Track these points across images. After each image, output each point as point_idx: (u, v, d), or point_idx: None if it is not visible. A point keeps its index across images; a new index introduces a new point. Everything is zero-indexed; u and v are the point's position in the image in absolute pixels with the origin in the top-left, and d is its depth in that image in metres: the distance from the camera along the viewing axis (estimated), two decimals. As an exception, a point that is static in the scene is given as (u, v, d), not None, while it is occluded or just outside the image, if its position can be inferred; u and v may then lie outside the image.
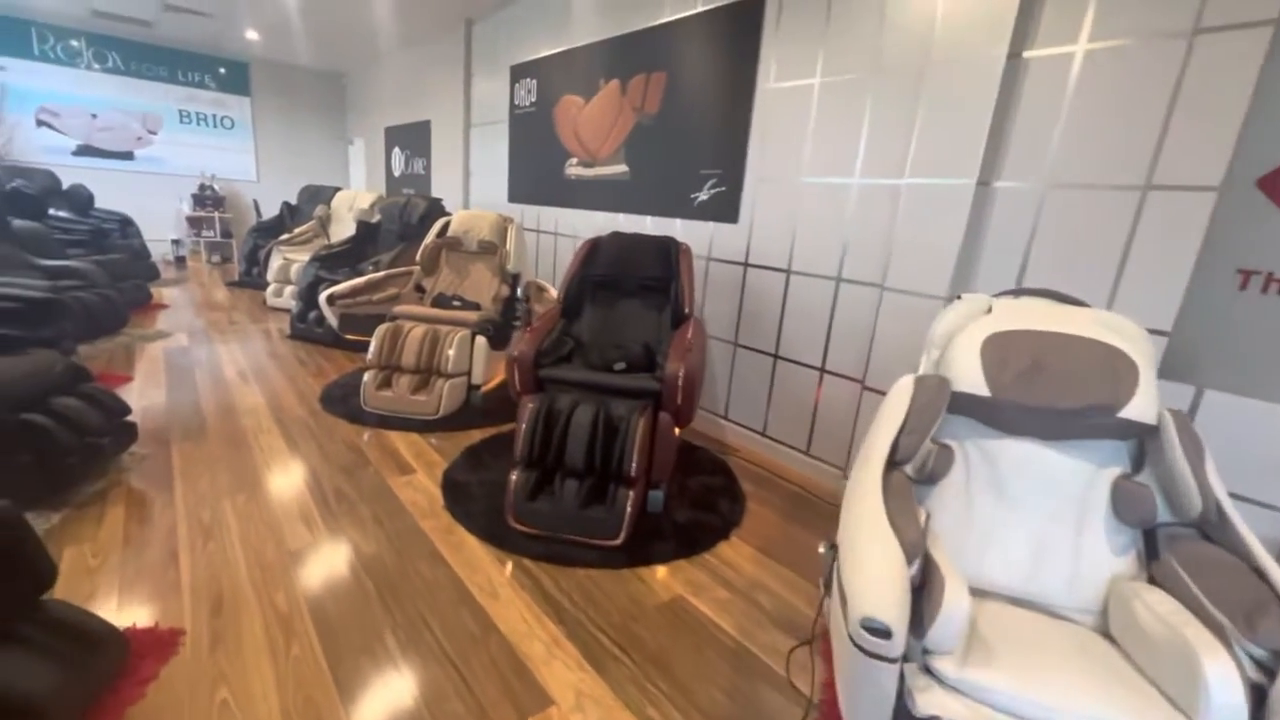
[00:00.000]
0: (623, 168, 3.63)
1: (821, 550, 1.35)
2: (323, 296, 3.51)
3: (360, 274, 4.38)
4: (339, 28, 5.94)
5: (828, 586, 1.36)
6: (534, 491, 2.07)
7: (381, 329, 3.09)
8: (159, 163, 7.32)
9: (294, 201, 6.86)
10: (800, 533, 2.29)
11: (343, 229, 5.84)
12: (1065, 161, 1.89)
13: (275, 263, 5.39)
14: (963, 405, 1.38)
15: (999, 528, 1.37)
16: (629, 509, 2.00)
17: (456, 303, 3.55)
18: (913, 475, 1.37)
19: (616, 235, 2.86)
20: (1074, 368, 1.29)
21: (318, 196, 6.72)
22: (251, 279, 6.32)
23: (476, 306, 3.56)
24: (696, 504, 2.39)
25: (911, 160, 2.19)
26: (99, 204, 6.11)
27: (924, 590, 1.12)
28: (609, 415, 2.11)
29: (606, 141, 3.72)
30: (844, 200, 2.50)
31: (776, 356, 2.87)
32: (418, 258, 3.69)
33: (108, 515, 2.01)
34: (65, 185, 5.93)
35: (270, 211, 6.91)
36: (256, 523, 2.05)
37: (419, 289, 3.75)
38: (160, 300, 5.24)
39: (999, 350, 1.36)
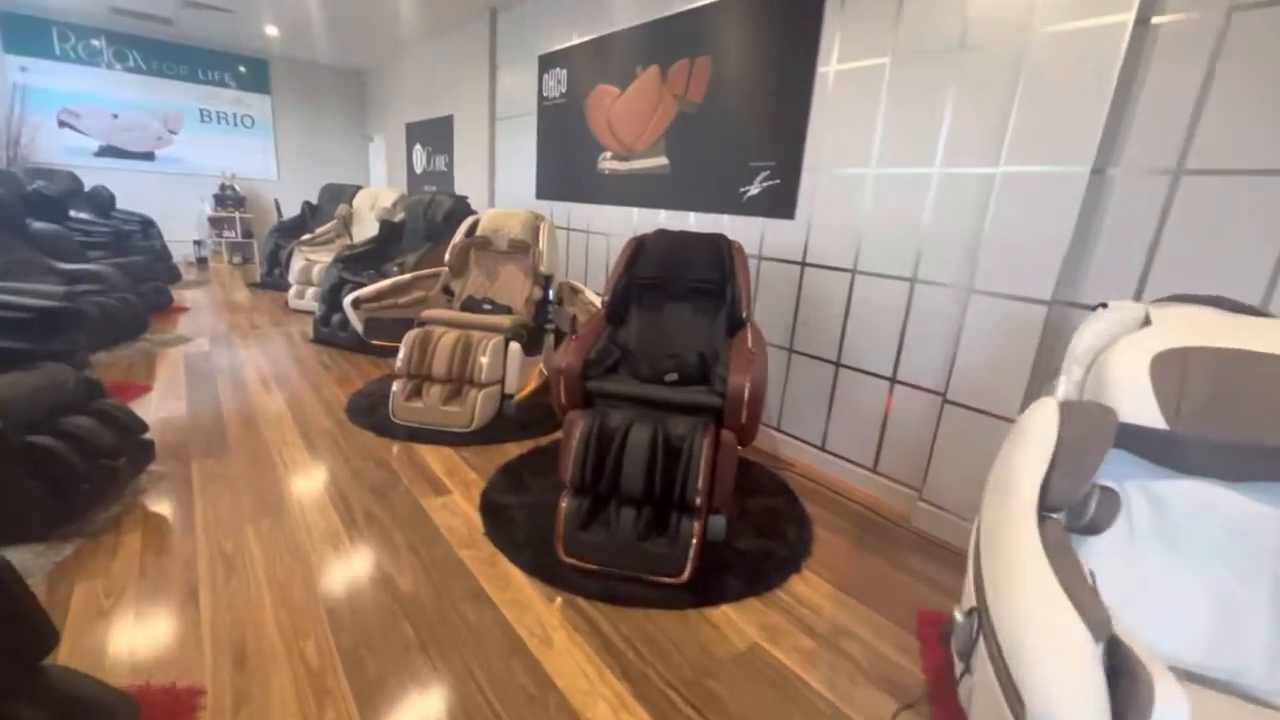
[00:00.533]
0: (662, 161, 3.40)
1: (959, 618, 1.12)
2: (347, 300, 3.34)
3: (385, 275, 4.21)
4: (359, 20, 5.77)
5: (963, 657, 1.13)
6: (586, 521, 1.86)
7: (410, 335, 2.90)
8: (180, 163, 7.24)
9: (315, 201, 6.75)
10: (878, 564, 2.05)
11: (365, 229, 5.70)
12: (1206, 143, 1.63)
13: (297, 264, 5.25)
14: (1127, 439, 1.14)
15: (1172, 590, 1.13)
16: (694, 541, 1.78)
17: (487, 306, 3.35)
18: (1066, 524, 1.14)
19: (663, 234, 2.63)
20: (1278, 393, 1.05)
21: (339, 195, 6.60)
22: (273, 280, 6.20)
23: (508, 310, 3.37)
24: (760, 530, 2.17)
25: (1008, 146, 1.93)
26: (120, 205, 6.03)
27: (1113, 682, 0.88)
28: (668, 435, 1.89)
29: (644, 133, 3.49)
30: (921, 192, 2.25)
31: (838, 364, 2.63)
32: (445, 258, 3.50)
33: (123, 545, 1.84)
34: (87, 187, 5.85)
35: (291, 211, 6.79)
36: (282, 552, 1.86)
37: (447, 291, 3.56)
38: (181, 303, 5.13)
39: (1174, 371, 1.12)
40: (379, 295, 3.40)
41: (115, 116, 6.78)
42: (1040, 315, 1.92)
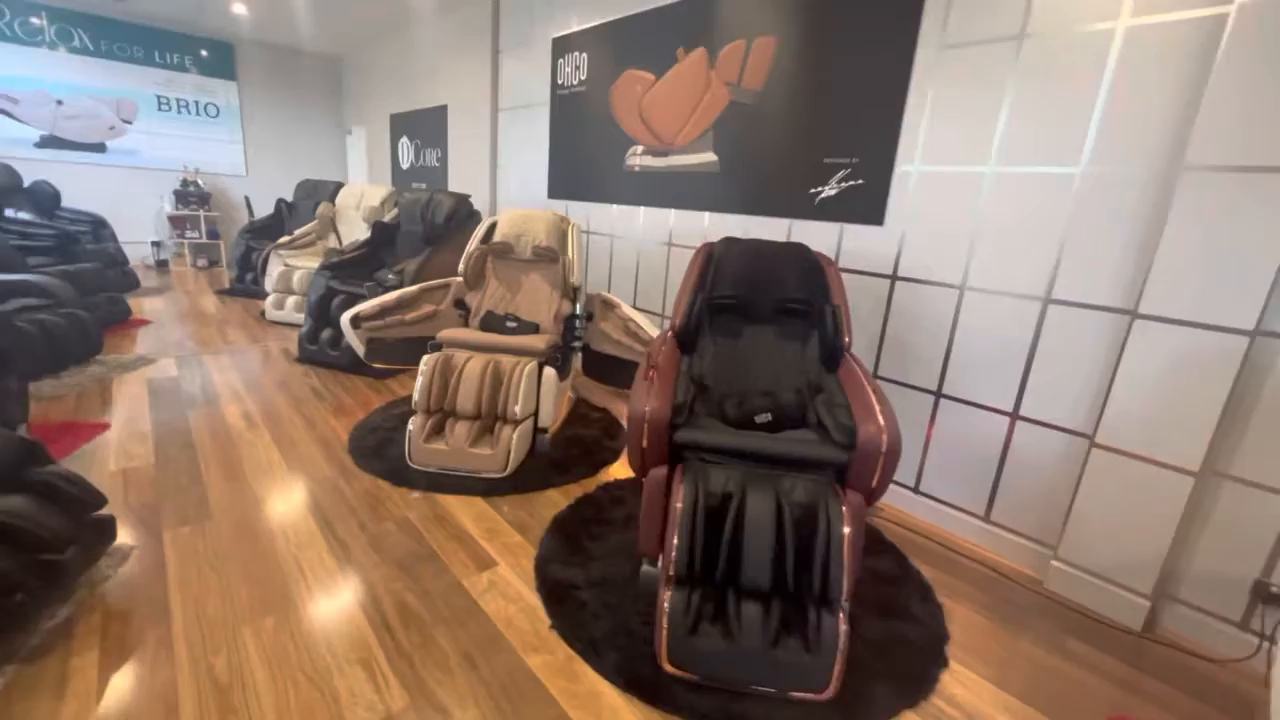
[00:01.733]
0: (709, 157, 2.99)
1: None
2: (346, 318, 2.85)
3: (381, 284, 3.71)
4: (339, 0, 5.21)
5: None
6: (696, 621, 1.45)
7: (429, 362, 2.44)
8: (135, 155, 6.54)
9: (290, 199, 6.15)
10: (1031, 648, 1.69)
11: (350, 230, 5.16)
12: None
13: (274, 270, 4.69)
14: None
15: None
16: (840, 645, 1.39)
17: (512, 323, 2.90)
18: None
19: (735, 243, 2.23)
20: None
21: (317, 192, 6.02)
22: (244, 286, 5.61)
23: (535, 327, 2.92)
24: (881, 606, 1.79)
25: (1199, 136, 1.58)
26: (66, 203, 5.36)
27: None
28: (791, 503, 1.49)
29: (687, 125, 3.07)
30: (1059, 196, 1.89)
31: (939, 394, 2.26)
32: (460, 268, 3.03)
33: (74, 672, 1.36)
34: (27, 182, 5.17)
35: (263, 209, 6.18)
36: (294, 673, 1.41)
37: (460, 306, 3.09)
38: (141, 315, 4.53)
39: None
40: (383, 311, 2.92)
41: (59, 103, 6.06)
42: (1238, 348, 1.57)
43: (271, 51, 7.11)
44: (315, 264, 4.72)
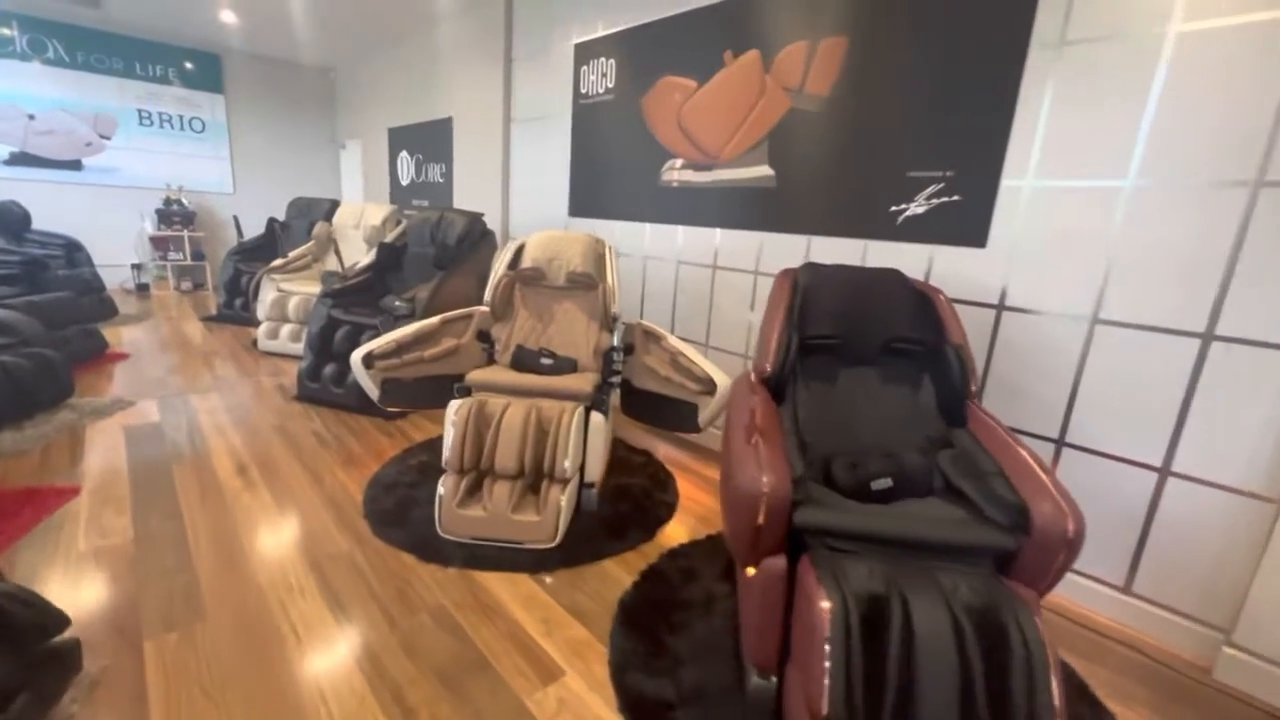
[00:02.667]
0: (763, 170, 2.69)
1: None
2: (357, 358, 2.48)
3: (390, 314, 3.35)
4: (337, 6, 4.88)
5: None
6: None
7: (460, 411, 2.08)
8: (114, 173, 6.13)
9: (282, 217, 5.77)
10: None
11: (349, 251, 4.80)
12: None
13: (267, 295, 4.31)
14: None
15: None
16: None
17: (547, 360, 2.55)
18: None
19: (820, 271, 1.91)
20: None
21: (311, 211, 5.65)
22: (233, 312, 5.21)
23: (573, 364, 2.58)
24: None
25: None
26: (38, 224, 4.94)
27: None
28: (963, 609, 1.16)
29: (736, 136, 2.77)
30: (1227, 214, 1.59)
31: (1061, 442, 1.95)
32: (487, 298, 2.68)
33: None
34: (-7, 202, 4.75)
35: (252, 229, 5.79)
36: None
37: (484, 339, 2.74)
38: (118, 347, 4.11)
39: None
40: (399, 348, 2.55)
41: (31, 118, 5.66)
42: None
43: (261, 63, 6.76)
44: (312, 289, 4.35)
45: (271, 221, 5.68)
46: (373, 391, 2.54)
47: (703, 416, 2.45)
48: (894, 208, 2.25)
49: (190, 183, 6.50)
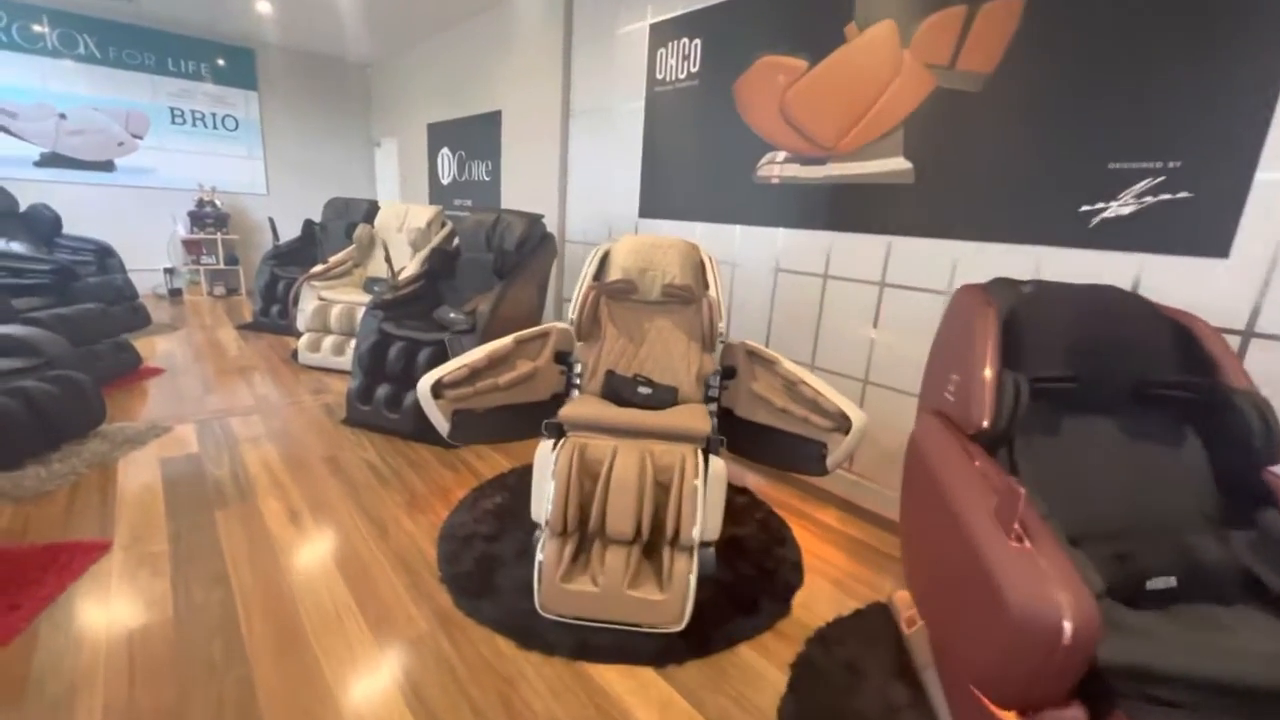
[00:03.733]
0: (898, 163, 2.27)
1: None
2: (424, 387, 2.12)
3: (448, 327, 3.01)
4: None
5: None
6: None
7: (561, 459, 1.71)
8: (146, 174, 5.90)
9: (318, 219, 5.48)
10: None
11: (393, 256, 4.47)
12: None
13: (308, 304, 4.00)
14: None
15: None
16: None
17: (644, 388, 2.17)
18: None
19: (1034, 290, 1.50)
20: None
21: (349, 212, 5.35)
22: (270, 320, 4.93)
23: (673, 393, 2.20)
24: None
25: None
26: (69, 228, 4.70)
27: None
28: None
29: (860, 123, 2.36)
30: None
31: (1337, 510, 1.51)
32: (572, 316, 2.31)
33: None
34: (24, 206, 4.52)
35: (287, 231, 5.51)
36: None
37: (561, 361, 2.37)
38: (152, 361, 3.83)
39: None
40: (472, 375, 2.19)
41: (62, 117, 5.43)
42: None
43: (295, 58, 6.48)
44: (355, 297, 4.04)
45: (308, 223, 5.40)
46: (442, 425, 2.17)
47: (832, 458, 2.05)
48: (1086, 208, 1.83)
49: (223, 184, 6.25)
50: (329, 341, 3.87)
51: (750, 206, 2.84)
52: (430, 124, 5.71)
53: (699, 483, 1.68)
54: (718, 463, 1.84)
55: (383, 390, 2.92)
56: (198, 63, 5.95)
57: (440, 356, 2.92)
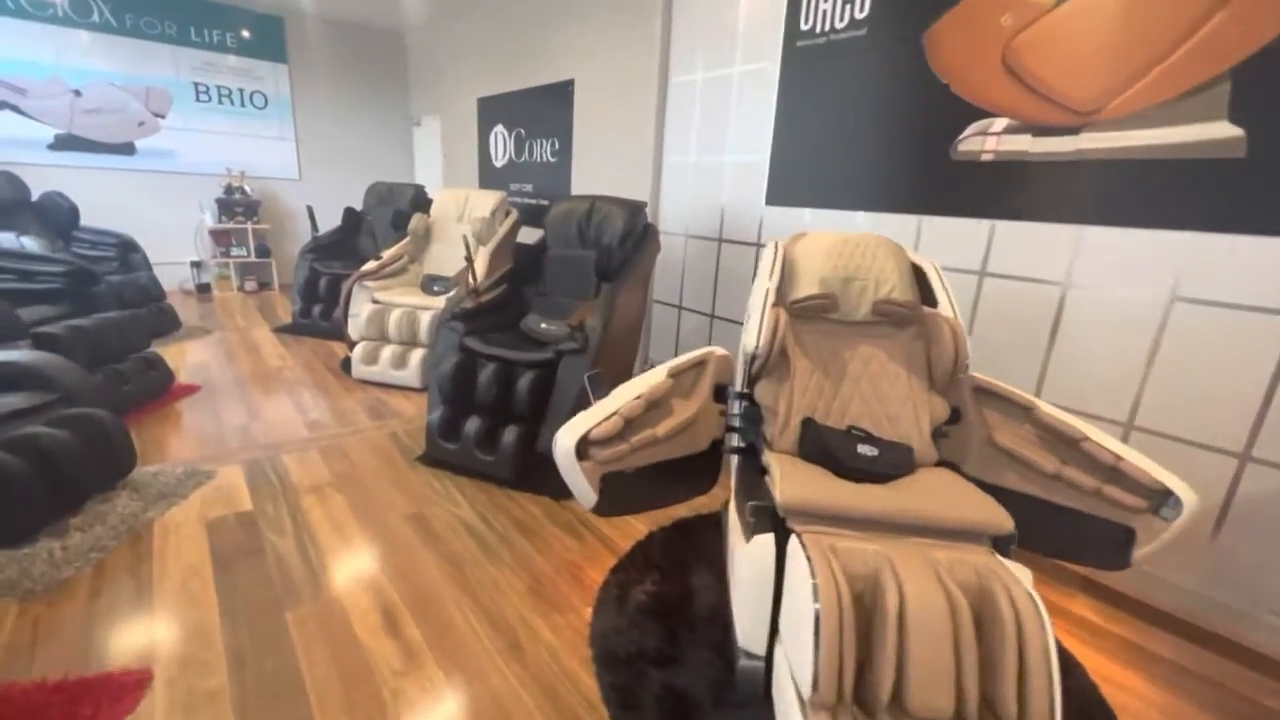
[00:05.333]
0: (1217, 130, 1.62)
1: None
2: (567, 447, 1.51)
3: (546, 343, 2.44)
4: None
5: None
6: None
7: (825, 589, 1.11)
8: (170, 157, 5.36)
9: (356, 206, 4.91)
10: None
11: (446, 250, 3.89)
12: None
13: (361, 307, 3.43)
14: None
15: None
16: None
17: (867, 448, 1.56)
18: None
19: None
20: None
21: (393, 198, 4.79)
22: (310, 321, 4.38)
23: (908, 454, 1.59)
24: None
25: None
26: (87, 219, 4.18)
27: None
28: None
29: (1149, 76, 1.71)
30: None
31: None
32: (752, 343, 1.69)
33: None
34: (36, 194, 4.00)
35: (327, 221, 4.94)
36: None
37: (720, 398, 1.78)
38: (183, 376, 3.29)
39: None
40: (626, 426, 1.59)
41: (77, 93, 4.88)
42: None
43: (328, 26, 5.87)
44: (415, 298, 3.47)
45: (350, 212, 4.83)
46: (588, 497, 1.58)
47: (1144, 549, 1.45)
48: None
49: (253, 167, 5.69)
50: (387, 353, 3.30)
51: (944, 191, 2.20)
52: (481, 98, 5.08)
53: (1047, 627, 1.08)
54: (1022, 574, 1.24)
55: (472, 425, 2.34)
56: (223, 31, 5.35)
57: (545, 383, 2.34)
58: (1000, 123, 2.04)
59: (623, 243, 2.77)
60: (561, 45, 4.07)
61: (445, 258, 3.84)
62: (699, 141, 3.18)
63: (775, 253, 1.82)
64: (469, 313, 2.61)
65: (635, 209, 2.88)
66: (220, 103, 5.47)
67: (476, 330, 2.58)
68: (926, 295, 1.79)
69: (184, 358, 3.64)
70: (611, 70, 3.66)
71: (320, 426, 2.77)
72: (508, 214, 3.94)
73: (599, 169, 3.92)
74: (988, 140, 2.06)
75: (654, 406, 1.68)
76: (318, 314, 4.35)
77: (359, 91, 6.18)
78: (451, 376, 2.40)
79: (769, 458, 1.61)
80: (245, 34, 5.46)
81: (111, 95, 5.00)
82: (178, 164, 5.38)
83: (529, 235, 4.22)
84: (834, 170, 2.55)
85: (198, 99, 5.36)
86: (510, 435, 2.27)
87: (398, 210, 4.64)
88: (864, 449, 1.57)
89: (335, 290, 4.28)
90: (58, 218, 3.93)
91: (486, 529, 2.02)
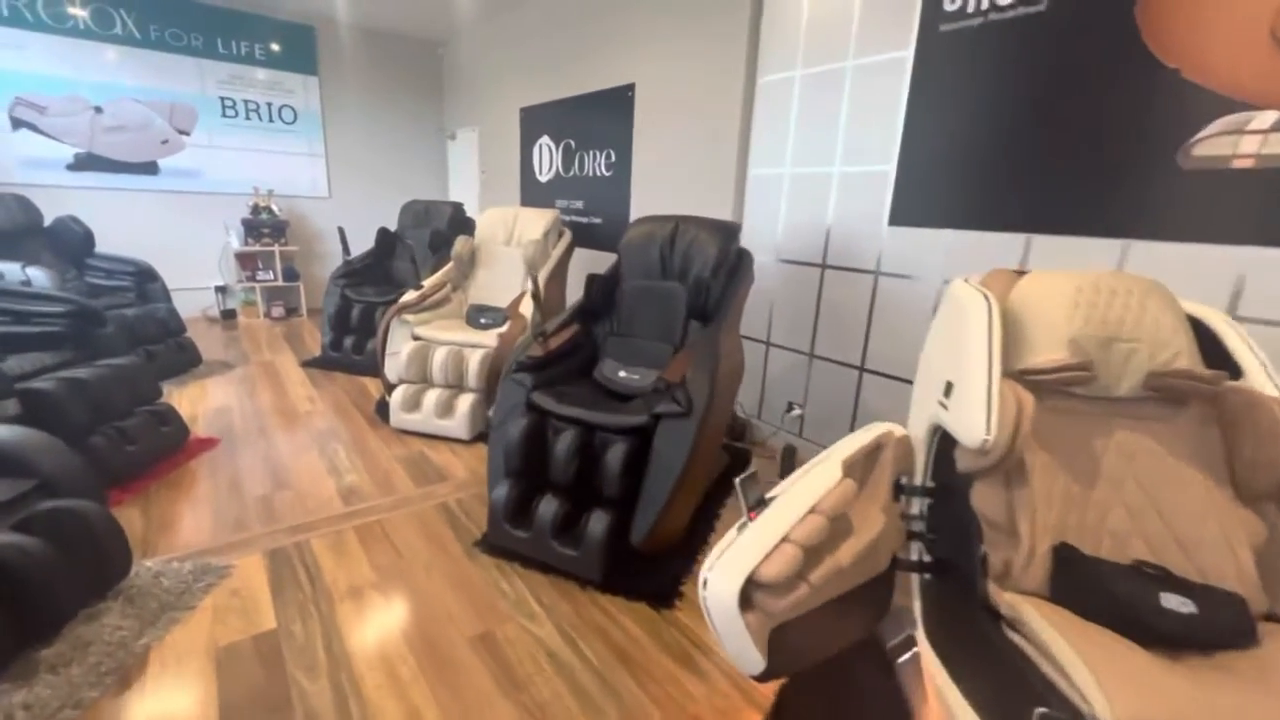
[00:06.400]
0: None
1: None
2: (727, 592, 1.04)
3: (627, 395, 1.96)
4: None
5: None
6: None
7: None
8: (193, 176, 5.04)
9: (390, 226, 4.52)
10: None
11: (494, 276, 3.45)
12: None
13: (402, 345, 3.00)
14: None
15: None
16: None
17: (1176, 600, 1.04)
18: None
19: None
20: None
21: (430, 218, 4.41)
22: (341, 354, 3.97)
23: (1228, 602, 1.06)
24: None
25: None
26: (104, 245, 3.84)
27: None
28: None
29: None
30: None
31: None
32: (988, 431, 1.19)
33: None
34: (49, 220, 3.67)
35: (358, 244, 4.55)
36: None
37: (898, 497, 1.27)
38: (200, 426, 2.88)
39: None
40: (808, 561, 1.10)
41: (98, 110, 4.58)
42: None
43: (360, 36, 5.53)
44: (462, 334, 3.02)
45: (384, 233, 4.43)
46: (755, 661, 1.09)
47: None
48: None
49: (281, 185, 5.35)
50: (431, 399, 2.85)
51: (1169, 208, 1.68)
52: (525, 108, 4.67)
53: None
54: None
55: (547, 508, 1.86)
56: (251, 43, 5.03)
57: (639, 454, 1.86)
58: (1257, 118, 1.51)
59: (715, 273, 2.29)
60: (621, 47, 3.63)
61: (493, 285, 3.40)
62: (795, 150, 2.70)
63: (987, 302, 1.31)
64: (539, 362, 2.14)
65: (729, 232, 2.41)
66: (247, 118, 5.15)
67: (544, 381, 2.11)
68: (1211, 359, 1.27)
69: (203, 401, 3.24)
70: (682, 71, 3.20)
71: (357, 496, 2.32)
72: (560, 235, 3.50)
73: (665, 182, 3.46)
74: (1244, 141, 1.54)
75: (842, 527, 1.19)
76: (349, 346, 3.94)
77: (392, 104, 5.83)
78: (519, 445, 1.92)
79: (1013, 602, 1.10)
80: (275, 46, 5.14)
81: (134, 112, 4.69)
82: (202, 183, 5.06)
83: (581, 258, 3.77)
84: (993, 183, 2.04)
85: (224, 114, 5.04)
86: (598, 525, 1.79)
87: (436, 231, 4.26)
88: (1170, 600, 1.05)
89: (368, 320, 3.87)
90: (71, 245, 3.59)
91: (577, 660, 1.54)
